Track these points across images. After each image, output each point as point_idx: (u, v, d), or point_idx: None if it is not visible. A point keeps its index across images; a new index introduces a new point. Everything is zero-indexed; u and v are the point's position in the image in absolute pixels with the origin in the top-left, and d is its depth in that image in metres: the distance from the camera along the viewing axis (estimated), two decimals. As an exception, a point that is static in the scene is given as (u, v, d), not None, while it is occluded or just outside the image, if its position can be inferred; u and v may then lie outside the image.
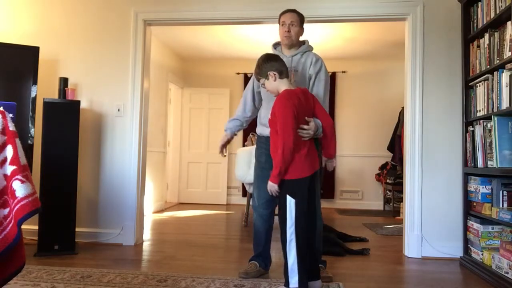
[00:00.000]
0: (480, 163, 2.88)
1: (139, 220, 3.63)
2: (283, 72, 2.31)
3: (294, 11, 2.65)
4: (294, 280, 2.15)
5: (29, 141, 3.30)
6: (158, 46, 5.81)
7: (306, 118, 2.27)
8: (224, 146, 2.81)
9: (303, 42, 2.70)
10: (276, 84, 2.32)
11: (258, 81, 2.41)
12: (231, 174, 6.76)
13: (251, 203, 4.19)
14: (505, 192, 2.68)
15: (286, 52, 2.65)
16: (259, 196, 2.65)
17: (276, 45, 2.75)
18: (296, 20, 2.61)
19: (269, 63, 2.33)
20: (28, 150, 3.24)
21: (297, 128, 2.22)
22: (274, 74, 2.30)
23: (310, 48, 2.69)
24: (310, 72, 2.59)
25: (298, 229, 2.18)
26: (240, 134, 6.22)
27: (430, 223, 3.30)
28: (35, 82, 3.36)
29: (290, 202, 2.19)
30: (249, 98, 2.78)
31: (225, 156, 2.86)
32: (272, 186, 2.23)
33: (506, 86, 2.54)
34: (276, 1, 3.46)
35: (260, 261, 2.67)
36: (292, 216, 2.18)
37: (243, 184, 6.42)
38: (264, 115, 2.66)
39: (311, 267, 2.27)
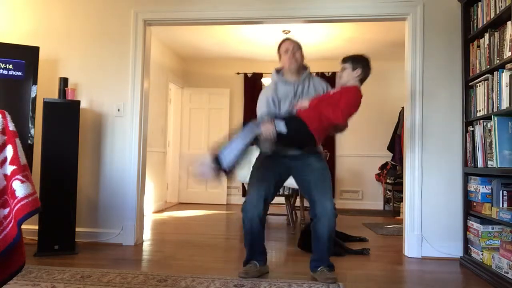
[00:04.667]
0: (480, 163, 2.88)
1: (139, 220, 3.63)
2: (363, 80, 2.54)
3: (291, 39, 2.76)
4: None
5: (29, 141, 3.30)
6: (158, 46, 5.81)
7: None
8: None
9: (305, 68, 2.77)
10: (352, 80, 2.51)
11: (344, 63, 2.55)
12: (231, 174, 6.74)
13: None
14: (505, 192, 2.68)
15: (290, 78, 2.70)
16: (253, 195, 2.62)
17: (278, 70, 2.78)
18: (297, 46, 2.72)
19: (365, 64, 2.54)
20: (28, 150, 3.24)
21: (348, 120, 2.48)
22: (360, 74, 2.51)
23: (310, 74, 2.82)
24: (323, 86, 2.77)
25: None
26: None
27: (430, 223, 3.30)
28: (35, 82, 3.36)
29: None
30: (271, 101, 2.68)
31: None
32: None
33: (506, 86, 2.54)
34: (275, 1, 3.47)
35: (259, 259, 2.68)
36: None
37: (243, 184, 6.41)
38: None
39: None
